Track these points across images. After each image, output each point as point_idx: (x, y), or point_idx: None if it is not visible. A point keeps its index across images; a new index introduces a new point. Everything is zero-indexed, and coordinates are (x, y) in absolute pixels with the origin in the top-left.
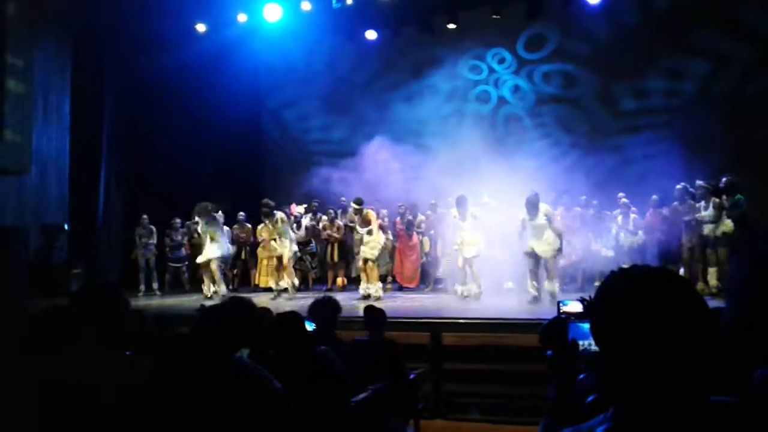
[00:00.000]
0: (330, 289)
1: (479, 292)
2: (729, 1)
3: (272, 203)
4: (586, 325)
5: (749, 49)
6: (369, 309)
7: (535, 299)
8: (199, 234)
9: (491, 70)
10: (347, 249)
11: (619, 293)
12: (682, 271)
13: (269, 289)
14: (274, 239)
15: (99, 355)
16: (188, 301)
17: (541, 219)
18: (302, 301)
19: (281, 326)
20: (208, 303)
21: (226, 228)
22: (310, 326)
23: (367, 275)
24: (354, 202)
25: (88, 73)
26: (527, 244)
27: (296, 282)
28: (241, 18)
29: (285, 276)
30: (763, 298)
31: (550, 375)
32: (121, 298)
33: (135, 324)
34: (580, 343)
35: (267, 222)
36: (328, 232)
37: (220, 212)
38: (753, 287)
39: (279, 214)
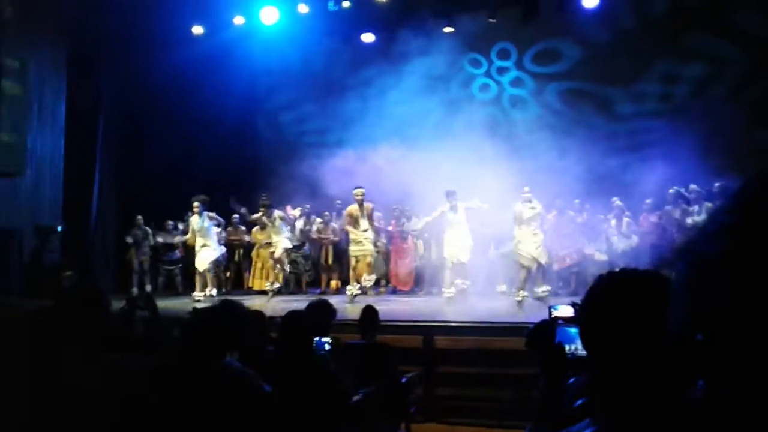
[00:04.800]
0: (324, 292)
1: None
2: (724, 5)
3: (269, 200)
4: (574, 329)
5: (745, 52)
6: (368, 309)
7: (521, 303)
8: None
9: (487, 74)
10: (341, 252)
11: (606, 296)
12: None
13: (263, 292)
14: (270, 243)
15: (81, 358)
16: (181, 303)
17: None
18: (296, 304)
19: (286, 328)
20: (200, 305)
21: (218, 229)
22: None
23: (358, 272)
24: (357, 190)
25: (84, 75)
26: (526, 250)
27: (288, 270)
28: (238, 21)
29: (277, 267)
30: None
31: (539, 379)
32: (103, 300)
33: (124, 326)
34: (567, 346)
35: (263, 216)
36: (322, 235)
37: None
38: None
39: (277, 212)
